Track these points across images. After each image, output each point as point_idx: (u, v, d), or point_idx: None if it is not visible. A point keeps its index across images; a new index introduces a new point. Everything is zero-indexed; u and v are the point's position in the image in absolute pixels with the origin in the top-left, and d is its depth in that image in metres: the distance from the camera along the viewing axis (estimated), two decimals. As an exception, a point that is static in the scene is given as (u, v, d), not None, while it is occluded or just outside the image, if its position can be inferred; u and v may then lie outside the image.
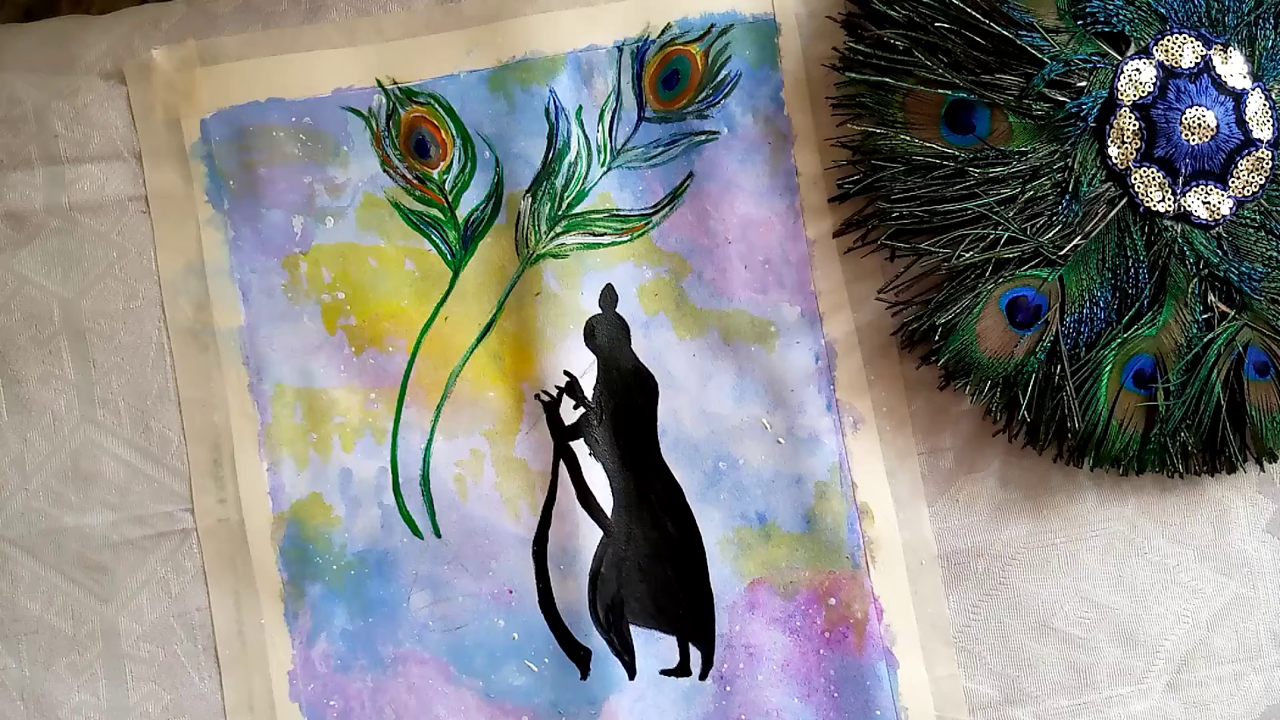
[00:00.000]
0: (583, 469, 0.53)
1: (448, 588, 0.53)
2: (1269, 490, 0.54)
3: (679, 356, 0.54)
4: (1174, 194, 0.52)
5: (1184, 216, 0.52)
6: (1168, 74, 0.52)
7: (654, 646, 0.53)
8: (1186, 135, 0.52)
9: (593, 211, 0.54)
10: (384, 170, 0.54)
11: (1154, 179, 0.52)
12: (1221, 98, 0.52)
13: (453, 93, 0.55)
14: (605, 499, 0.53)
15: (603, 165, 0.55)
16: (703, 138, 0.55)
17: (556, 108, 0.54)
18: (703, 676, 0.53)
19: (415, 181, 0.54)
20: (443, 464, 0.53)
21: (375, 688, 0.52)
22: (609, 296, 0.54)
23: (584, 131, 0.55)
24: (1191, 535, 0.54)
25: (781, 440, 0.54)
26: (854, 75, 0.53)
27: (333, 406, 0.53)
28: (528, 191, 0.54)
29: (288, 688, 0.52)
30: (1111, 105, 0.52)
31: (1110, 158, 0.52)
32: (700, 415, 0.54)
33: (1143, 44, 0.52)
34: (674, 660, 0.53)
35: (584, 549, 0.52)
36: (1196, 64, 0.52)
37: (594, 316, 0.54)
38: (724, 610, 0.53)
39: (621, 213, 0.55)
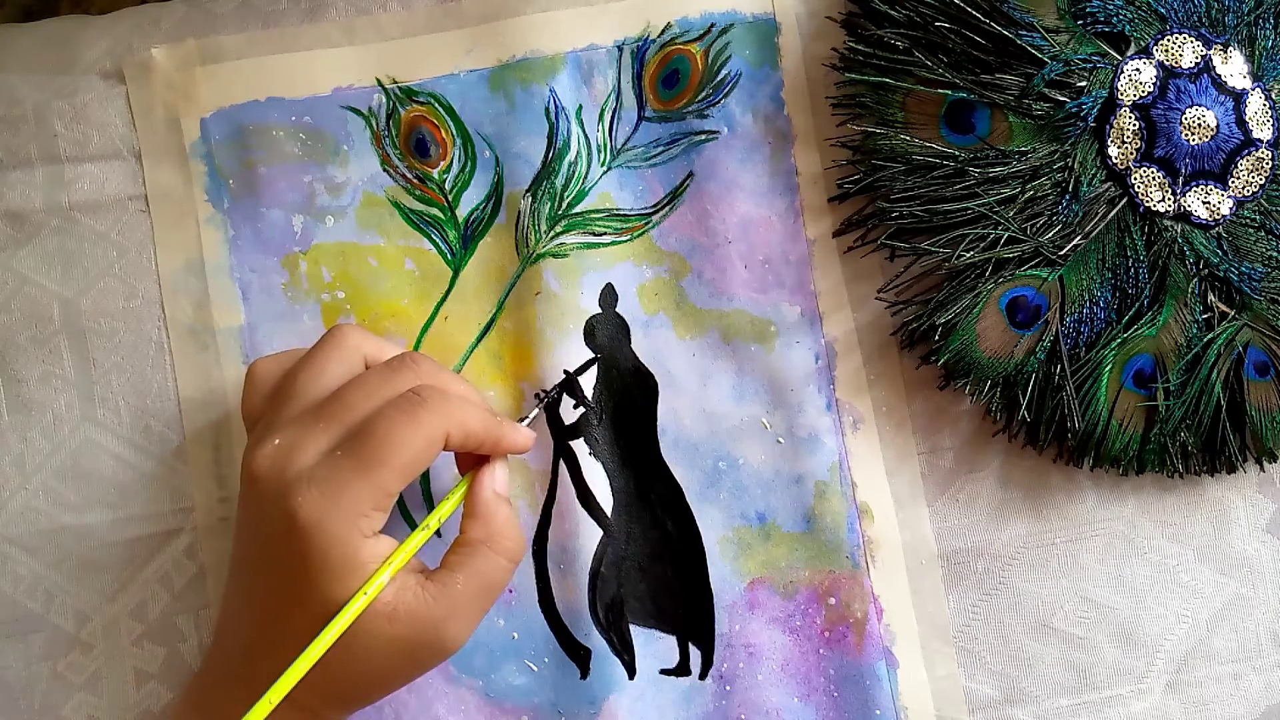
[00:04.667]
0: (583, 468, 0.53)
1: (448, 587, 0.52)
2: (1269, 490, 0.54)
3: (679, 356, 0.54)
4: (1174, 194, 0.52)
5: (1184, 216, 0.52)
6: (1168, 74, 0.52)
7: (654, 646, 0.53)
8: (1186, 135, 0.52)
9: (593, 211, 0.54)
10: (384, 169, 0.54)
11: (1154, 179, 0.52)
12: (1221, 98, 0.52)
13: (453, 92, 0.55)
14: (605, 498, 0.53)
15: (603, 165, 0.55)
16: (703, 137, 0.55)
17: (556, 107, 0.54)
18: (702, 676, 0.53)
19: (415, 181, 0.54)
20: (443, 463, 0.53)
21: (375, 687, 0.51)
22: (609, 296, 0.54)
23: (584, 131, 0.55)
24: (1191, 535, 0.54)
25: (781, 440, 0.54)
26: (854, 75, 0.53)
27: (333, 406, 0.53)
28: (528, 191, 0.54)
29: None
30: (1111, 105, 0.52)
31: (1110, 158, 0.52)
32: (700, 415, 0.54)
33: (1143, 44, 0.52)
34: (674, 660, 0.53)
35: (584, 548, 0.52)
36: (1196, 64, 0.52)
37: (594, 316, 0.54)
38: (724, 610, 0.53)
39: (621, 212, 0.55)
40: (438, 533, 0.52)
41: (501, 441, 0.47)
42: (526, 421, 0.51)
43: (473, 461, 0.48)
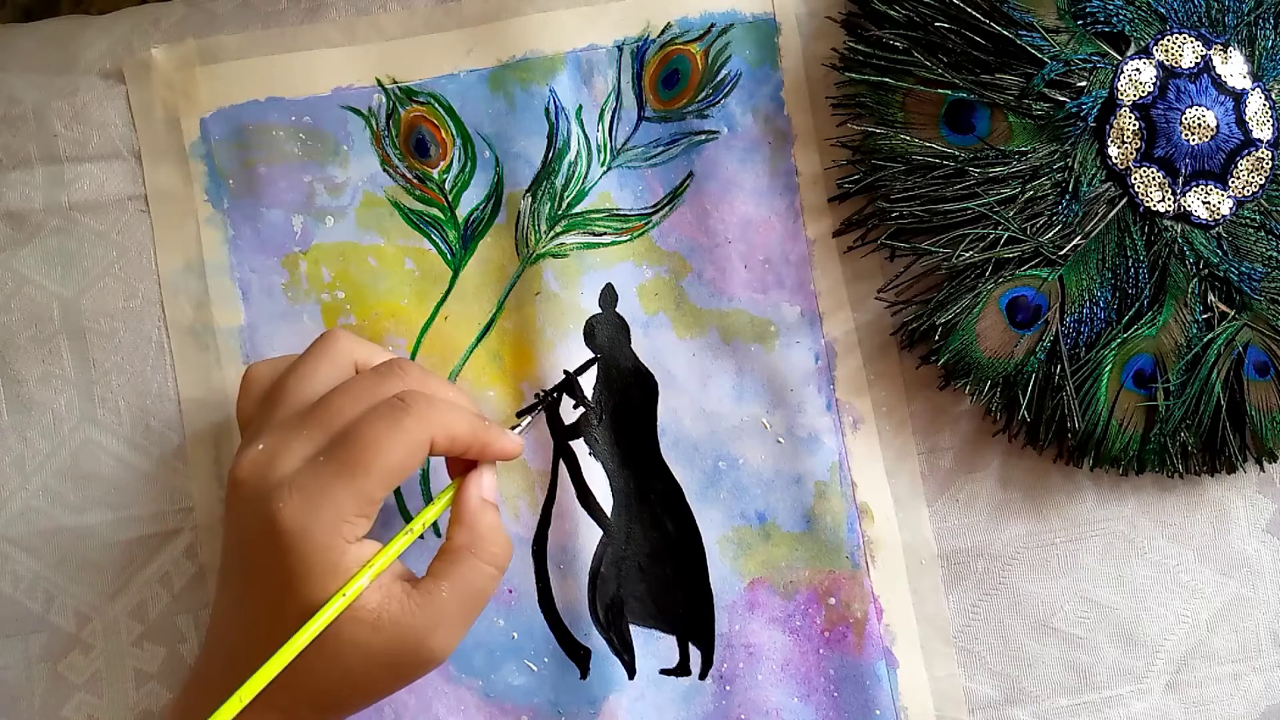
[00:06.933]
0: (582, 468, 0.53)
1: (448, 587, 0.52)
2: (1269, 490, 0.54)
3: (679, 356, 0.54)
4: (1174, 194, 0.52)
5: (1184, 216, 0.52)
6: (1168, 74, 0.52)
7: (654, 646, 0.53)
8: (1186, 135, 0.52)
9: (593, 211, 0.54)
10: (384, 169, 0.54)
11: (1154, 179, 0.52)
12: (1221, 98, 0.52)
13: (453, 92, 0.55)
14: (605, 498, 0.53)
15: (603, 165, 0.55)
16: (703, 137, 0.55)
17: (556, 107, 0.54)
18: (702, 676, 0.53)
19: (415, 181, 0.54)
20: (443, 463, 0.53)
21: (375, 687, 0.51)
22: (609, 296, 0.54)
23: (584, 131, 0.55)
24: (1191, 535, 0.54)
25: (781, 440, 0.54)
26: (854, 75, 0.53)
27: (333, 406, 0.53)
28: (528, 191, 0.54)
29: (288, 687, 0.52)
30: (1111, 105, 0.52)
31: (1110, 158, 0.52)
32: (700, 415, 0.54)
33: (1143, 44, 0.52)
34: (674, 660, 0.53)
35: (584, 548, 0.52)
36: (1196, 64, 0.52)
37: (594, 316, 0.54)
38: (723, 610, 0.53)
39: (621, 212, 0.55)
40: (435, 533, 0.53)
41: (489, 447, 0.46)
42: (519, 431, 0.51)
43: (463, 466, 0.48)
